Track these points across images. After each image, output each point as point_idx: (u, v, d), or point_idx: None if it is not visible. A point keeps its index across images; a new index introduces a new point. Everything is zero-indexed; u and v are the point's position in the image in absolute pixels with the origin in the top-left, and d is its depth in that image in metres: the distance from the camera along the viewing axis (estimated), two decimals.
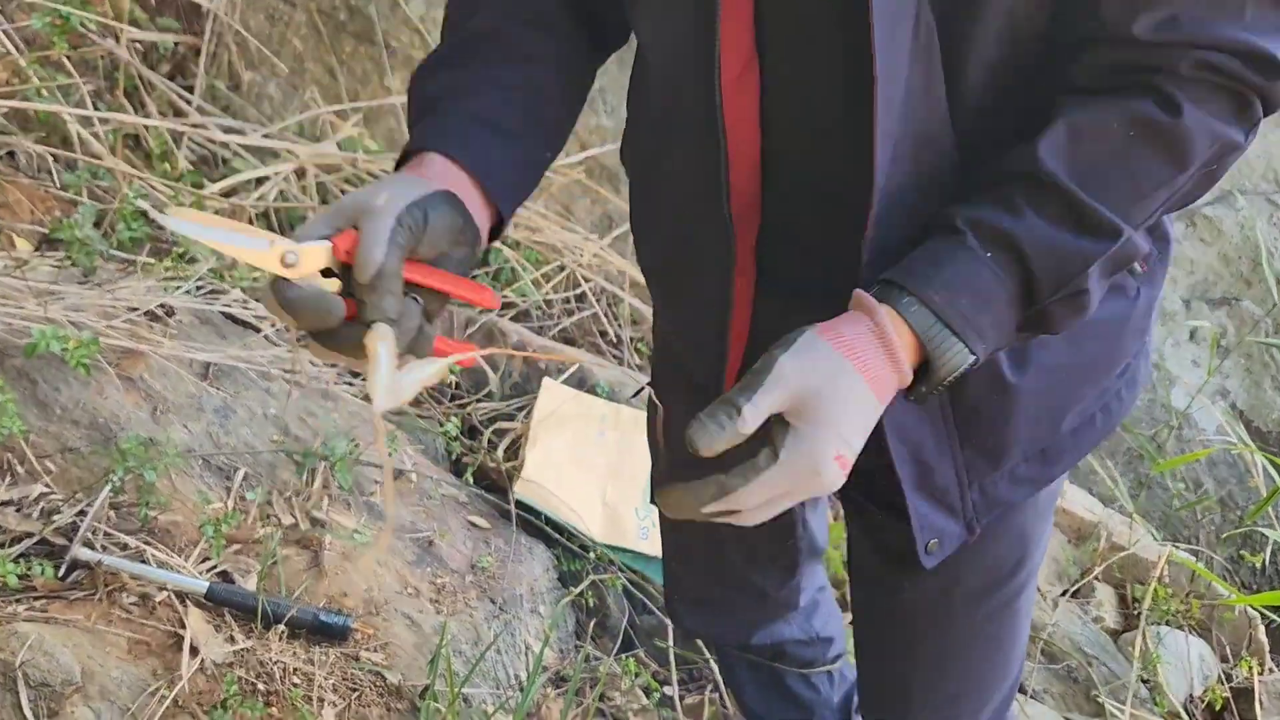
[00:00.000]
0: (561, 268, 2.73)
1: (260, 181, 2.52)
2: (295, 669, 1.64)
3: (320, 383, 2.17)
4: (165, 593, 1.65)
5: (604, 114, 2.82)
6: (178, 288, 2.11)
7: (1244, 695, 2.46)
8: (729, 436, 0.82)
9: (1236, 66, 0.84)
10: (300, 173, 2.58)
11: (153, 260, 2.18)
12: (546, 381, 2.36)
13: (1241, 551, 2.99)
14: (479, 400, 2.41)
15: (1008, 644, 1.27)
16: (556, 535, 2.16)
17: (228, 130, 2.57)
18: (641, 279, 2.74)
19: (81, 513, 1.70)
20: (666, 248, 1.16)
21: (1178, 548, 2.71)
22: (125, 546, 1.70)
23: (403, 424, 2.24)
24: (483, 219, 0.97)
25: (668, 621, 2.13)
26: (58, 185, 2.13)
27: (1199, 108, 0.85)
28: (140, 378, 1.94)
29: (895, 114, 0.87)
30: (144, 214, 2.28)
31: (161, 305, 2.06)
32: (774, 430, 0.85)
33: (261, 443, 1.98)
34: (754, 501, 0.85)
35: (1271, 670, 2.54)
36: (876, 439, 1.00)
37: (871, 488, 1.10)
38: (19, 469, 1.74)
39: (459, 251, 0.91)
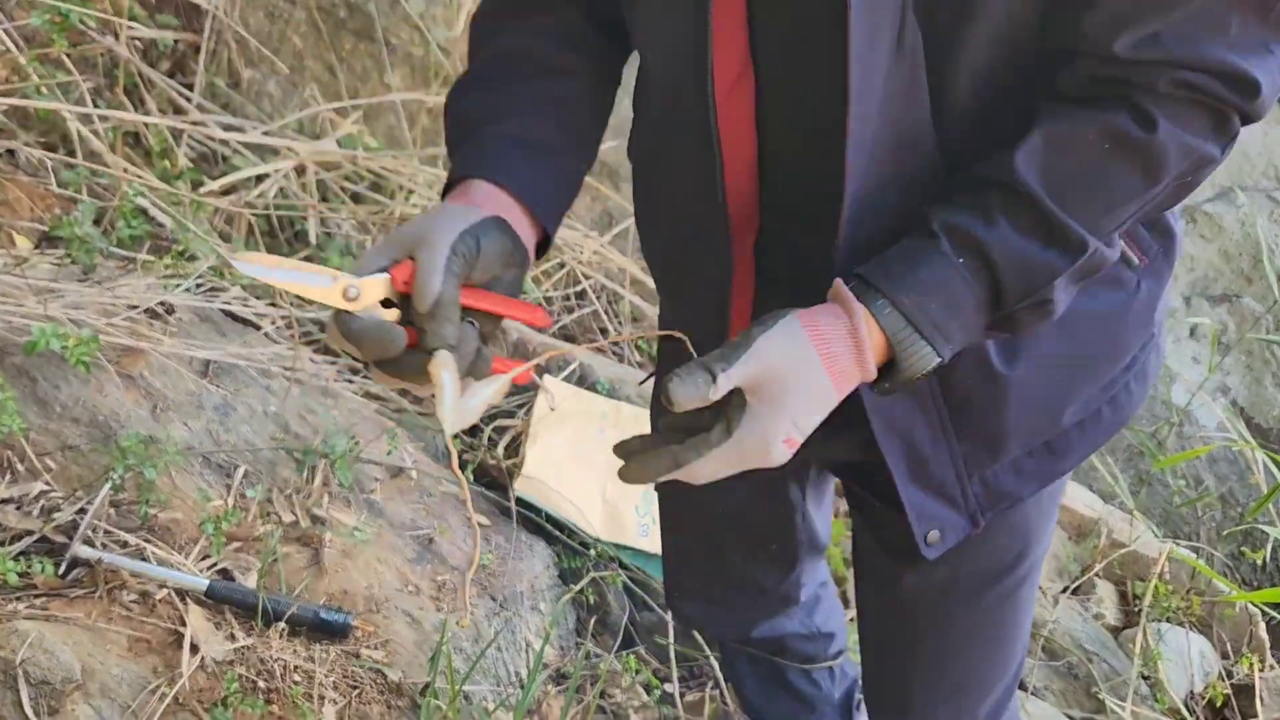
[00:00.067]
0: (561, 265, 2.73)
1: (260, 179, 2.51)
2: (296, 666, 1.64)
3: (320, 380, 2.17)
4: (165, 590, 1.65)
5: None
6: (178, 285, 2.11)
7: (1245, 692, 2.46)
8: (700, 397, 0.85)
9: (1215, 86, 0.85)
10: (300, 170, 2.57)
11: (152, 258, 2.18)
12: (547, 379, 2.36)
13: (1242, 548, 2.99)
14: None
15: (1010, 636, 1.28)
16: (557, 532, 2.16)
17: (227, 128, 2.57)
18: (641, 276, 2.76)
19: (82, 510, 1.70)
20: (667, 246, 1.17)
21: (1178, 545, 2.71)
22: (125, 544, 1.70)
23: (403, 421, 2.24)
24: (529, 237, 1.00)
25: (668, 618, 2.13)
26: (57, 183, 2.13)
27: (1174, 123, 0.86)
28: (140, 375, 1.94)
29: (872, 120, 0.89)
30: (143, 211, 2.28)
31: (161, 303, 2.06)
32: (731, 407, 0.88)
33: (261, 440, 1.98)
34: (704, 473, 0.89)
35: (1272, 667, 2.54)
36: (867, 433, 1.02)
37: (872, 482, 1.11)
38: (19, 467, 1.74)
39: (510, 273, 0.94)
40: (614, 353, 2.75)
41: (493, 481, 2.25)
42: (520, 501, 2.14)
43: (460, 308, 0.88)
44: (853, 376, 0.89)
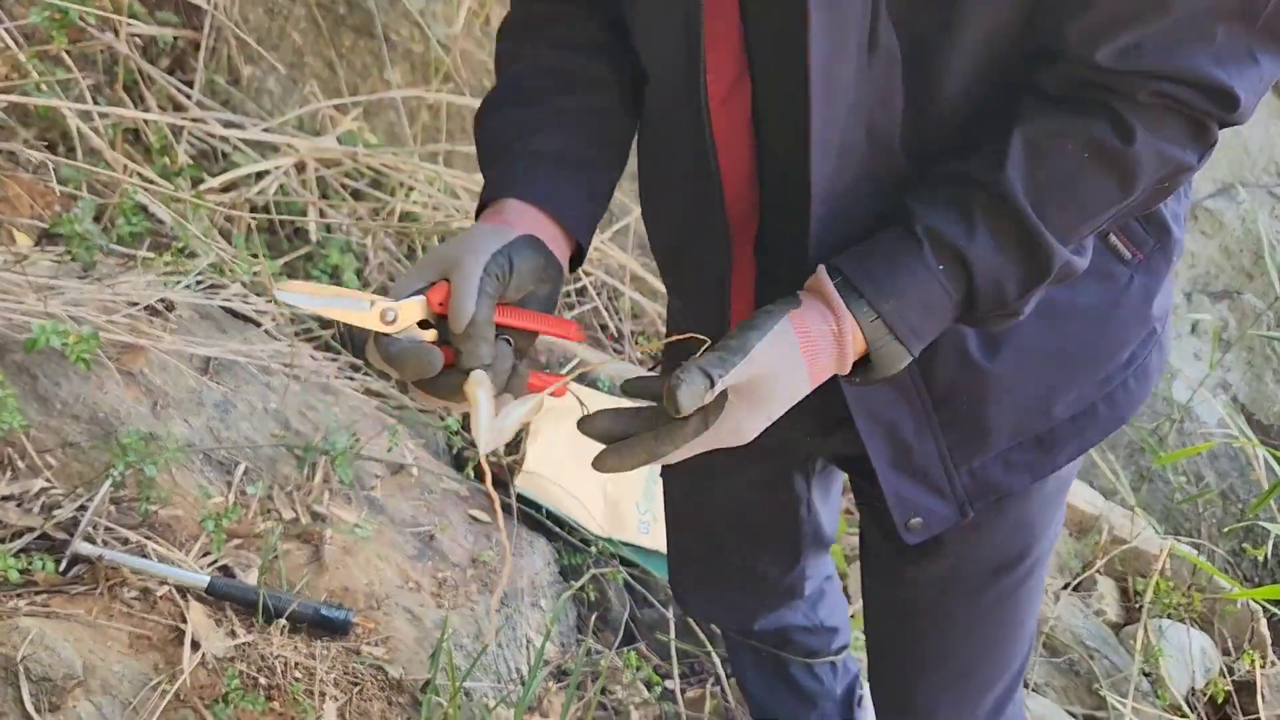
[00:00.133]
0: None
1: (260, 176, 2.51)
2: (296, 663, 1.64)
3: (320, 377, 2.17)
4: (166, 587, 1.65)
5: None
6: (178, 282, 2.11)
7: (1246, 688, 2.46)
8: (700, 400, 0.87)
9: (1194, 98, 0.86)
10: (300, 167, 2.57)
11: (153, 255, 2.17)
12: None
13: (1243, 545, 2.99)
14: None
15: (1013, 631, 1.28)
16: (557, 529, 2.16)
17: (227, 125, 2.56)
18: (641, 272, 2.76)
19: (82, 507, 1.70)
20: (669, 242, 1.18)
21: (1179, 541, 2.71)
22: (126, 541, 1.70)
23: (403, 418, 2.24)
24: (562, 252, 1.01)
25: (669, 615, 2.13)
26: (57, 180, 2.13)
27: (1152, 133, 0.87)
28: (140, 372, 1.94)
29: (839, 121, 0.91)
30: (144, 208, 2.28)
31: (161, 300, 2.05)
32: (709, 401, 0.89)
33: (262, 437, 1.98)
34: (678, 459, 0.91)
35: (1273, 663, 2.54)
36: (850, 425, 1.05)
37: (871, 475, 1.11)
38: (19, 464, 1.74)
39: (543, 289, 0.96)
40: (615, 350, 2.75)
41: (494, 478, 2.25)
42: (521, 498, 2.14)
43: (495, 326, 0.90)
44: (829, 372, 0.92)
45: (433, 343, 0.90)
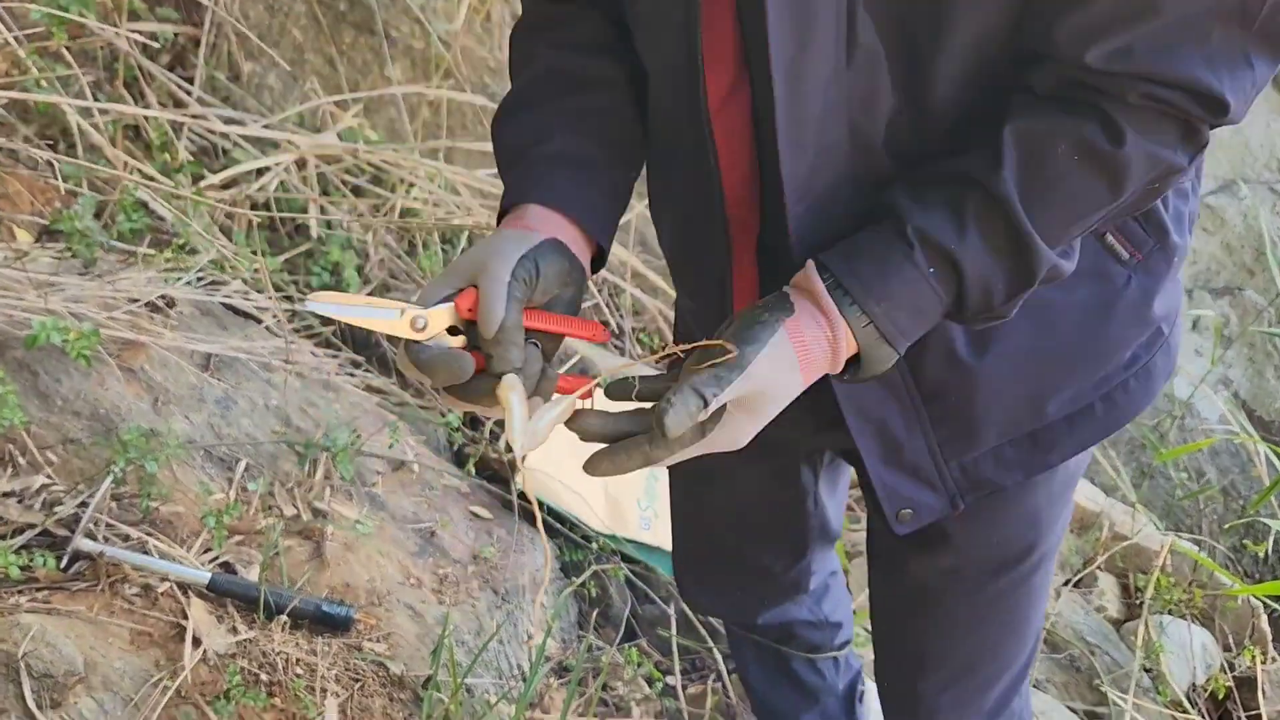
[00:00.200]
0: None
1: (261, 172, 2.51)
2: (298, 660, 1.64)
3: (321, 373, 2.17)
4: (167, 584, 1.65)
5: None
6: (178, 279, 2.10)
7: (1247, 684, 2.46)
8: (693, 422, 0.87)
9: (1184, 101, 0.85)
10: (301, 163, 2.57)
11: (153, 251, 2.17)
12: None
13: (1244, 541, 2.99)
14: None
15: (1019, 623, 1.28)
16: (559, 525, 2.16)
17: (228, 121, 2.56)
18: (642, 269, 2.76)
19: (83, 504, 1.70)
20: (673, 241, 1.19)
21: (1180, 537, 2.71)
22: (127, 538, 1.70)
23: (404, 414, 2.24)
24: (583, 254, 1.02)
25: (670, 611, 2.13)
26: (58, 176, 2.12)
27: (1142, 135, 0.87)
28: (141, 369, 1.94)
29: (811, 123, 0.92)
30: (144, 205, 2.28)
31: (162, 296, 2.05)
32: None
33: (263, 434, 1.98)
34: (671, 463, 0.91)
35: (1274, 659, 2.54)
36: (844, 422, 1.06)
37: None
38: (20, 460, 1.74)
39: (568, 292, 0.97)
40: (615, 346, 2.75)
41: (494, 475, 2.25)
42: (522, 495, 2.14)
43: (523, 330, 0.91)
44: (821, 374, 0.93)
45: (462, 349, 0.91)
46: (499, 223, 1.03)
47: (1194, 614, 2.58)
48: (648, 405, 0.90)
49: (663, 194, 1.16)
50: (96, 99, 2.33)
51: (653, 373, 0.98)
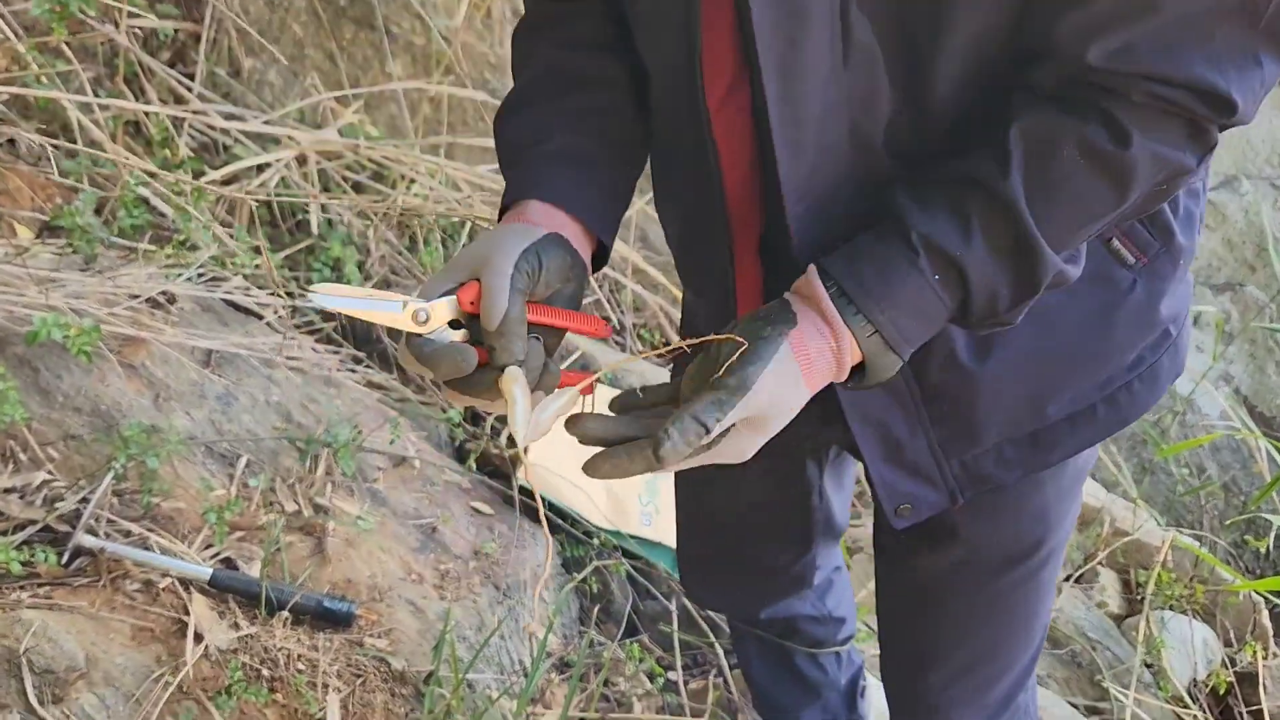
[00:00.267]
0: None
1: (261, 168, 2.51)
2: (299, 655, 1.64)
3: (322, 369, 2.17)
4: (169, 579, 1.65)
5: None
6: (179, 275, 2.10)
7: (1248, 679, 2.46)
8: (694, 449, 0.86)
9: (1189, 100, 0.83)
10: (301, 159, 2.57)
11: (154, 247, 2.17)
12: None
13: (1245, 536, 2.99)
14: None
15: (1026, 617, 1.28)
16: (560, 521, 2.16)
17: (228, 117, 2.56)
18: (643, 265, 2.75)
19: (84, 500, 1.70)
20: (677, 238, 1.19)
21: (1181, 533, 2.71)
22: (128, 533, 1.70)
23: (406, 410, 2.24)
24: (585, 250, 1.02)
25: (672, 607, 2.13)
26: (58, 172, 2.12)
27: (1148, 136, 0.85)
28: (142, 365, 1.94)
29: (809, 123, 0.91)
30: (145, 201, 2.27)
31: (163, 292, 2.05)
32: None
33: (264, 429, 1.98)
34: (677, 470, 0.90)
35: (1275, 654, 2.54)
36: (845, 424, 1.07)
37: None
38: (21, 456, 1.74)
39: (569, 287, 0.96)
40: (617, 342, 2.75)
41: (495, 470, 2.25)
42: (523, 490, 2.14)
43: (526, 323, 0.91)
44: (825, 383, 0.92)
45: (465, 342, 0.90)
46: (500, 219, 1.03)
47: (1195, 609, 2.58)
48: (648, 410, 0.90)
49: (665, 192, 1.16)
50: (97, 95, 2.33)
51: (653, 384, 0.97)
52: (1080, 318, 1.04)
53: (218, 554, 1.74)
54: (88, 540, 1.64)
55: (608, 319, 2.77)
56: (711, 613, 2.13)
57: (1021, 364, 1.05)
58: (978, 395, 1.06)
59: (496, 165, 1.10)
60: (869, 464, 1.10)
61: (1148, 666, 2.39)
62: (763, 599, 1.56)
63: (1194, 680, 2.44)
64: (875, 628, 2.02)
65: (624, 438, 0.90)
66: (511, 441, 2.27)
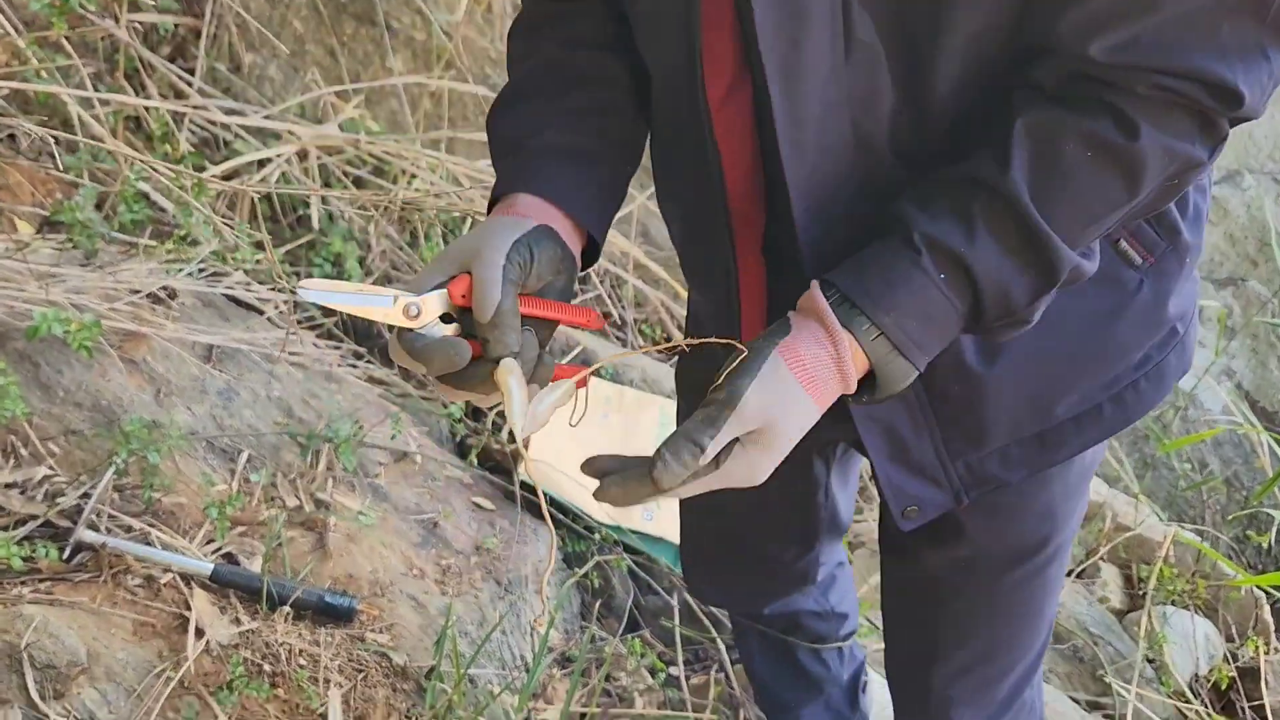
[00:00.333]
0: None
1: (262, 163, 2.51)
2: (301, 650, 1.64)
3: (323, 365, 2.17)
4: (170, 575, 1.65)
5: None
6: (180, 270, 2.10)
7: (1250, 674, 2.46)
8: (691, 470, 0.85)
9: (1197, 92, 0.83)
10: (302, 154, 2.56)
11: (154, 242, 2.17)
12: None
13: (1247, 532, 2.99)
14: None
15: (1033, 615, 1.28)
16: (561, 516, 2.16)
17: (229, 112, 2.56)
18: (645, 260, 2.75)
19: (85, 495, 1.70)
20: (680, 237, 1.19)
21: (1183, 528, 2.71)
22: (130, 529, 1.70)
23: (407, 405, 2.24)
24: (574, 244, 1.01)
25: (673, 602, 2.13)
26: (58, 167, 2.12)
27: (1157, 128, 0.84)
28: (143, 360, 1.93)
29: (811, 122, 0.90)
30: (145, 196, 2.27)
31: (164, 287, 2.05)
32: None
33: (265, 425, 1.97)
34: (686, 495, 0.89)
35: (1277, 649, 2.54)
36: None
37: None
38: (22, 451, 1.73)
39: (560, 280, 0.96)
40: (617, 338, 2.75)
41: (497, 466, 2.24)
42: (525, 485, 2.14)
43: (519, 315, 0.90)
44: (836, 395, 0.91)
45: (457, 336, 0.89)
46: (489, 212, 1.02)
47: (1197, 605, 2.57)
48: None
49: (667, 191, 1.16)
50: (97, 90, 2.33)
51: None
52: (1087, 319, 1.04)
53: (219, 549, 1.74)
54: (89, 535, 1.64)
55: (608, 314, 2.77)
56: (714, 608, 2.13)
57: (1029, 367, 1.04)
58: (985, 398, 1.05)
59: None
60: (875, 463, 1.09)
61: (1149, 662, 2.39)
62: (766, 595, 1.55)
63: (1196, 675, 2.44)
64: (877, 623, 2.02)
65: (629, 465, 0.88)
66: (513, 437, 2.27)
